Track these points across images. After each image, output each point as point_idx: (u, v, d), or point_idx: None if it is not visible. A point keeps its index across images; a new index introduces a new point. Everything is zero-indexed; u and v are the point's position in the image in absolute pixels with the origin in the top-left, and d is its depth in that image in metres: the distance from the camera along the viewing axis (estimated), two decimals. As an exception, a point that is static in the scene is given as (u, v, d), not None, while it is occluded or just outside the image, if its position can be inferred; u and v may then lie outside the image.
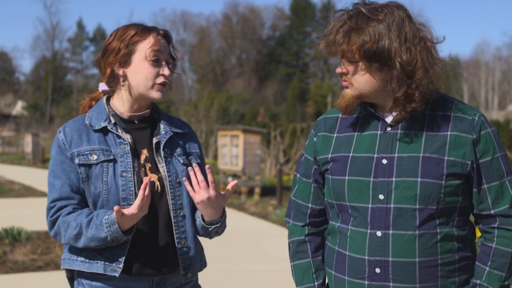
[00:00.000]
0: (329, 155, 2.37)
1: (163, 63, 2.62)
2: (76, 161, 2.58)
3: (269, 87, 74.67)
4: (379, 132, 2.29)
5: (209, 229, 2.65)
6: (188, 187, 2.56)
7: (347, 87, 2.28)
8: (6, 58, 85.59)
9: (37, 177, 22.46)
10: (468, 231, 2.31)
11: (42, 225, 10.32)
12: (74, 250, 2.62)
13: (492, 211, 2.27)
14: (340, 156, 2.33)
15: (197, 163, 2.72)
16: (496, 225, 2.28)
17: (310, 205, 2.47)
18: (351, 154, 2.31)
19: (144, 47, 2.59)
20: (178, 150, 2.71)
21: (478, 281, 2.27)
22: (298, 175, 2.52)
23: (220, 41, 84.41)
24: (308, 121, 50.08)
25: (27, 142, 35.36)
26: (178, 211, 2.65)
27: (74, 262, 2.61)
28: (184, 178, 2.57)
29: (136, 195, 2.54)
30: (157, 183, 2.61)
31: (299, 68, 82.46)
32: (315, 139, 2.45)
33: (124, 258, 2.55)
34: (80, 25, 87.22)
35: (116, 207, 2.40)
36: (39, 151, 33.84)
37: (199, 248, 2.74)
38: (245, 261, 8.66)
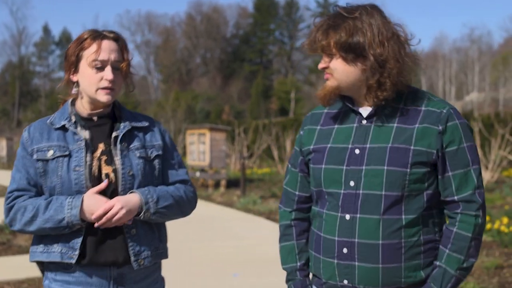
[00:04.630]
0: (311, 146, 2.51)
1: (107, 67, 2.64)
2: (35, 156, 2.67)
3: (233, 85, 74.75)
4: (355, 125, 2.42)
5: (141, 218, 2.66)
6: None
7: (327, 80, 2.42)
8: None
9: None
10: (436, 216, 2.40)
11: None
12: (35, 241, 2.70)
13: (455, 197, 2.34)
14: (320, 147, 2.47)
15: (158, 154, 2.79)
16: (459, 211, 2.34)
17: (297, 193, 2.60)
18: (329, 145, 2.45)
19: (88, 54, 2.63)
20: (137, 143, 2.74)
21: (437, 263, 2.35)
22: (289, 166, 2.66)
23: (185, 41, 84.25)
24: (271, 117, 51.08)
25: (2, 146, 35.98)
26: None
27: (35, 253, 2.69)
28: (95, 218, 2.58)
29: (87, 188, 2.62)
30: (111, 174, 2.66)
31: (263, 65, 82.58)
32: (301, 132, 2.61)
33: (79, 245, 2.60)
34: (46, 30, 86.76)
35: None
36: (13, 154, 33.99)
37: (154, 237, 2.76)
38: (213, 240, 10.03)
